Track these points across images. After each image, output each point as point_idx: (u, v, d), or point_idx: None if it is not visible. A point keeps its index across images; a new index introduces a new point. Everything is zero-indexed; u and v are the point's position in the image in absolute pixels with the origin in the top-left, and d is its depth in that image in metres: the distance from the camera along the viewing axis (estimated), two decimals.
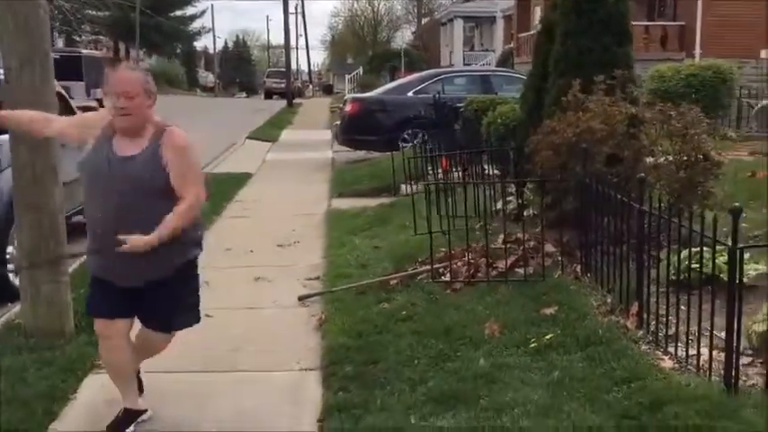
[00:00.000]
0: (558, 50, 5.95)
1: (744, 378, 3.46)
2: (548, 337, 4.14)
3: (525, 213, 5.96)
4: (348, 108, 14.03)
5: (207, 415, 3.80)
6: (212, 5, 69.83)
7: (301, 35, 49.18)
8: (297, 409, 3.88)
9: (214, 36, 70.80)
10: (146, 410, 3.73)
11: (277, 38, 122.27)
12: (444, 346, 4.25)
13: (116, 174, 3.33)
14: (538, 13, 25.44)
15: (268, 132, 21.80)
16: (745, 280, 3.54)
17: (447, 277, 5.33)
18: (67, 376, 4.16)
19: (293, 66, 44.45)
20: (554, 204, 5.46)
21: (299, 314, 5.39)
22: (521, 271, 5.19)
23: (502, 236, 5.56)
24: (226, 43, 79.43)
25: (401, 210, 8.37)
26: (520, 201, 6.19)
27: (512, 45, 28.98)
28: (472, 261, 5.33)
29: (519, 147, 6.50)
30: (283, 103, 37.25)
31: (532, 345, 4.11)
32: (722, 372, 3.38)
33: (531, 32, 24.70)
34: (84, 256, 3.66)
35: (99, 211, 3.38)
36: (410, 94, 13.74)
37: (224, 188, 10.70)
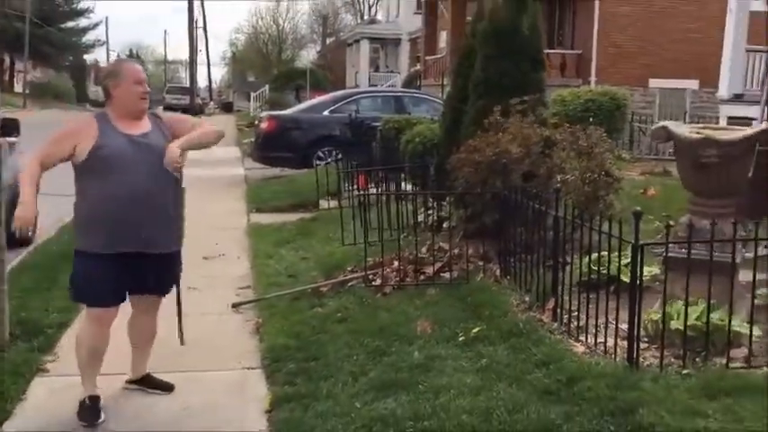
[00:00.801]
0: (477, 75, 6.48)
1: (642, 359, 4.02)
2: (474, 331, 4.59)
3: (445, 225, 6.47)
4: (264, 125, 14.27)
5: (159, 410, 4.05)
6: (107, 18, 67.99)
7: (201, 50, 48.55)
8: (243, 402, 4.16)
9: (108, 49, 68.63)
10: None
11: (173, 53, 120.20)
12: (380, 342, 4.58)
13: (142, 148, 3.82)
14: (444, 37, 26.37)
15: None
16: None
17: (378, 282, 5.72)
18: (15, 380, 4.30)
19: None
20: (473, 216, 5.97)
21: (234, 320, 5.60)
22: (446, 275, 5.64)
23: (427, 245, 6.03)
24: (118, 57, 77.20)
25: (323, 223, 8.65)
26: (440, 214, 6.67)
27: (418, 67, 29.82)
28: (401, 267, 5.77)
29: (439, 163, 6.99)
30: None
31: (461, 338, 4.54)
32: (625, 354, 3.94)
33: (439, 56, 25.62)
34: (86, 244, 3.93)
35: (131, 185, 3.78)
36: (326, 113, 14.14)
37: None
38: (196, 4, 38.40)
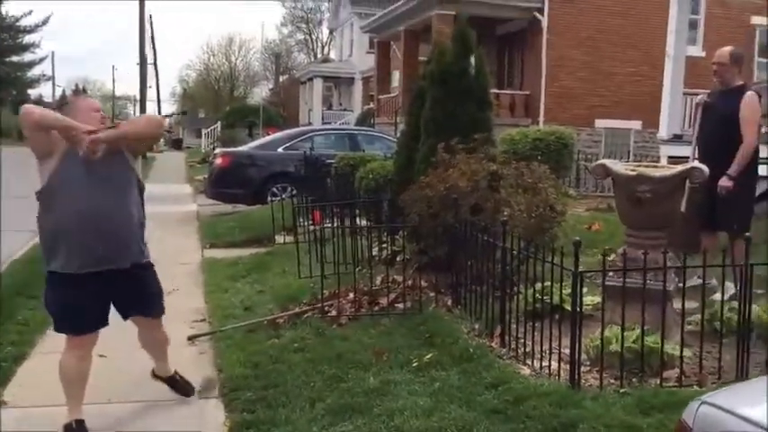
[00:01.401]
0: (427, 114, 6.80)
1: (584, 380, 4.27)
2: (427, 357, 4.79)
3: (399, 258, 6.70)
4: (218, 162, 14.38)
5: None
6: (53, 53, 67.19)
7: (151, 86, 48.07)
8: (203, 430, 4.25)
9: (53, 84, 67.91)
10: None
11: (121, 89, 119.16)
12: (336, 370, 4.74)
13: (91, 170, 4.00)
14: (396, 76, 26.87)
15: None
16: (584, 309, 4.45)
17: (333, 313, 5.88)
18: None
19: None
20: (426, 249, 6.21)
21: (190, 352, 5.66)
22: (400, 306, 5.85)
23: (380, 277, 6.24)
24: (63, 92, 75.91)
25: (279, 258, 8.73)
26: (394, 247, 6.90)
27: (371, 105, 30.26)
28: (356, 299, 5.96)
29: (392, 199, 7.24)
30: None
31: (414, 364, 4.74)
32: (568, 376, 4.20)
33: (391, 94, 26.06)
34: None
35: (84, 208, 3.96)
36: (280, 149, 14.32)
37: None
38: (146, 38, 38.30)
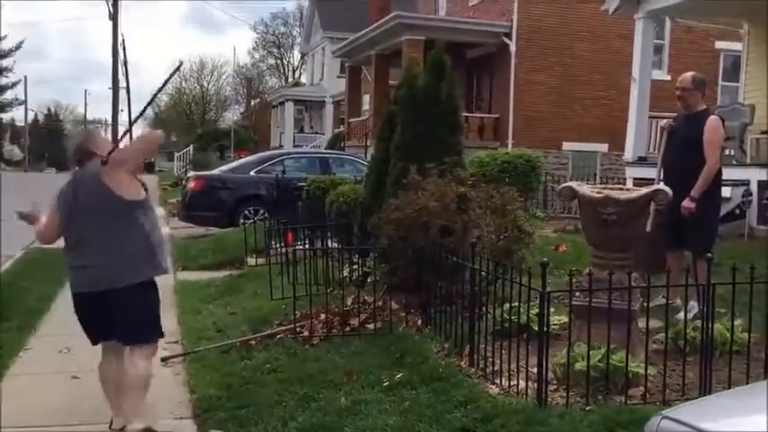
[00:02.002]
0: (398, 138, 6.89)
1: (551, 399, 4.34)
2: (398, 376, 4.86)
3: (369, 279, 6.77)
4: (191, 185, 14.41)
5: None
6: (26, 77, 66.50)
7: (123, 110, 47.58)
8: None
9: (26, 108, 67.37)
10: None
11: (92, 112, 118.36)
12: (308, 389, 4.80)
13: None
14: (367, 99, 27.04)
15: None
16: (551, 329, 4.56)
17: (305, 334, 5.93)
18: None
19: None
20: (396, 271, 6.29)
21: (163, 374, 5.64)
22: (371, 326, 5.92)
23: (351, 298, 6.30)
24: (36, 116, 75.38)
25: (251, 280, 8.78)
26: (365, 269, 6.97)
27: (342, 129, 30.38)
28: (328, 319, 6.01)
29: (363, 221, 7.31)
30: None
31: (385, 384, 4.80)
32: (535, 394, 4.27)
33: (362, 118, 26.19)
34: None
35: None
36: (252, 173, 14.40)
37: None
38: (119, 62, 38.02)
